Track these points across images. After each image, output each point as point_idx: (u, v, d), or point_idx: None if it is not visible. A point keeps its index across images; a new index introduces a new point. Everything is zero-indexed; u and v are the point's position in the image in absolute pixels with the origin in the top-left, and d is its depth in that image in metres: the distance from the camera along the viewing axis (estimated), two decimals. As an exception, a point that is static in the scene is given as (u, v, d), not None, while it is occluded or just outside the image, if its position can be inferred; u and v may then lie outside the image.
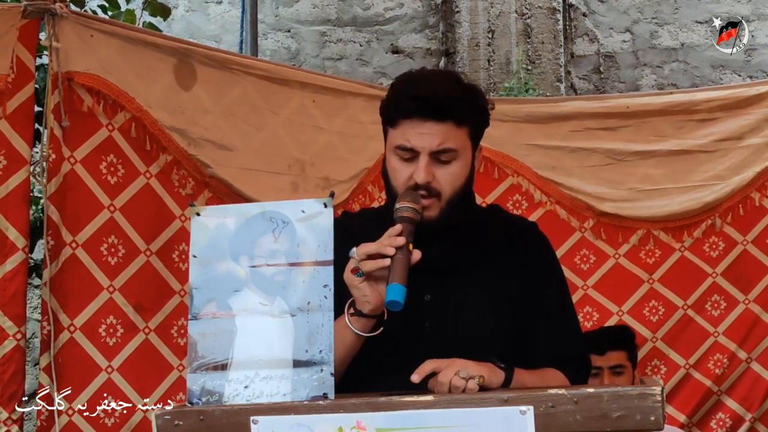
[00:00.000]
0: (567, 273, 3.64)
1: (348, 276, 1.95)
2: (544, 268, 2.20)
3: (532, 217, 3.65)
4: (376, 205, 3.43)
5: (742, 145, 3.66)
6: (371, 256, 1.92)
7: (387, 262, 1.90)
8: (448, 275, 2.10)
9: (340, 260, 1.91)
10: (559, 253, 3.66)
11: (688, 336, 3.71)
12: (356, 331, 1.98)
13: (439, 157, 2.04)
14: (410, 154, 2.04)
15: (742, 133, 3.65)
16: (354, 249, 1.94)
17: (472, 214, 2.17)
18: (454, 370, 1.85)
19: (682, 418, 3.69)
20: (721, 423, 3.70)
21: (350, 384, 2.00)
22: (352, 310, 1.98)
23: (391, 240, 1.92)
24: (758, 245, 3.71)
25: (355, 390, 1.96)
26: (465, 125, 2.07)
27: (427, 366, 1.90)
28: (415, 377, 1.88)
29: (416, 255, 1.93)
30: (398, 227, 1.95)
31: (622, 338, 3.47)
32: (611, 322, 3.69)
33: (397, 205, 2.00)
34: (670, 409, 3.67)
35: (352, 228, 2.11)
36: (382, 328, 1.99)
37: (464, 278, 2.11)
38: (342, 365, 1.99)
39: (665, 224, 3.72)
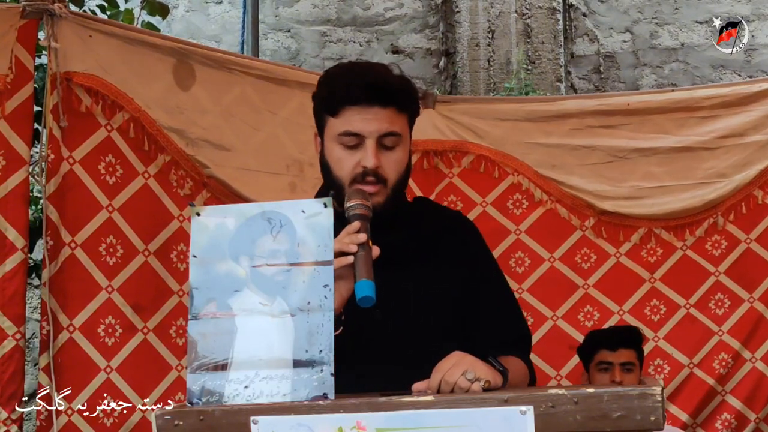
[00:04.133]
0: (567, 272, 3.67)
1: None
2: (482, 254, 2.25)
3: (533, 216, 3.68)
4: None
5: (745, 141, 3.64)
6: (334, 255, 1.90)
7: (350, 260, 1.90)
8: (393, 265, 2.07)
9: None
10: (560, 251, 3.68)
11: (692, 335, 3.70)
12: None
13: (384, 142, 2.07)
14: (356, 140, 2.06)
15: (744, 130, 3.64)
16: None
17: (406, 204, 2.21)
18: (460, 370, 1.84)
19: (684, 417, 3.68)
20: (726, 423, 3.69)
21: None
22: None
23: (352, 237, 1.92)
24: (762, 243, 3.70)
25: None
26: (405, 112, 2.11)
27: (435, 378, 1.87)
28: (424, 386, 1.87)
29: (376, 251, 1.93)
30: (356, 224, 1.95)
31: (632, 337, 3.50)
32: (612, 321, 3.69)
33: (348, 204, 2.00)
34: (673, 409, 3.67)
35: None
36: (341, 329, 1.95)
37: (408, 268, 2.12)
38: None
39: (667, 222, 3.71)
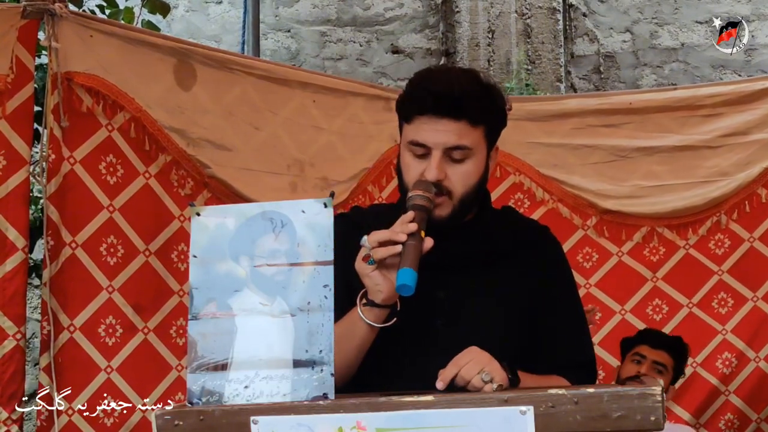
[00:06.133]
0: (569, 272, 3.65)
1: (359, 264, 1.93)
2: (558, 273, 2.19)
3: (534, 216, 3.64)
4: (377, 205, 3.42)
5: (748, 140, 3.61)
6: (383, 243, 1.90)
7: (398, 248, 1.88)
8: (463, 273, 2.08)
9: (349, 254, 1.90)
10: (562, 251, 3.65)
11: (695, 334, 3.68)
12: (369, 322, 1.95)
13: (451, 154, 2.02)
14: (423, 150, 2.02)
15: (747, 128, 3.61)
16: (365, 237, 1.93)
17: (486, 214, 2.15)
18: (478, 368, 1.84)
19: (686, 416, 3.67)
20: (729, 423, 3.67)
21: (361, 380, 2.00)
22: (364, 301, 1.96)
23: (403, 227, 1.91)
24: (766, 242, 3.68)
25: (367, 386, 1.96)
26: (480, 125, 2.04)
27: (450, 370, 1.86)
28: (440, 384, 1.85)
29: (428, 243, 1.91)
30: (410, 214, 1.93)
31: (676, 346, 3.50)
32: (614, 321, 3.68)
33: (410, 194, 1.99)
34: (676, 409, 3.66)
35: (364, 221, 2.10)
36: (395, 319, 1.97)
37: (478, 277, 2.09)
38: (356, 359, 1.98)
39: (669, 221, 3.70)
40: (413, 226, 1.90)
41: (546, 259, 2.16)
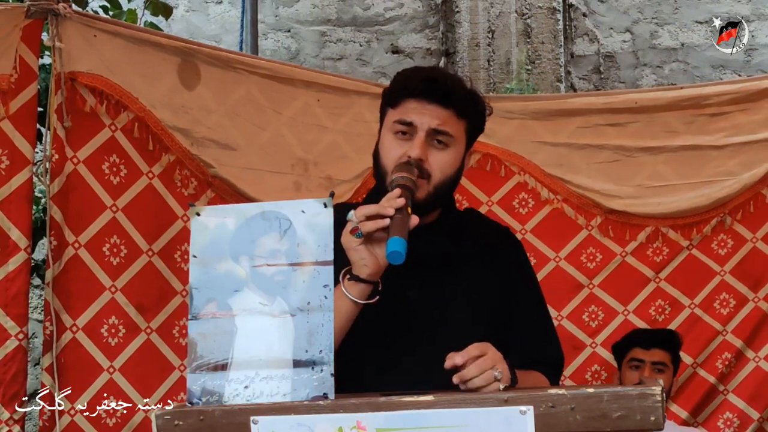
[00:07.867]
0: (573, 272, 3.64)
1: (346, 238, 1.96)
2: (522, 273, 2.25)
3: (539, 215, 3.65)
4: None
5: (754, 139, 3.59)
6: (370, 217, 1.93)
7: (386, 222, 1.91)
8: (432, 272, 2.11)
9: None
10: (566, 251, 3.65)
11: (696, 335, 3.67)
12: (352, 297, 1.97)
13: (435, 138, 2.07)
14: (408, 129, 2.07)
15: (753, 128, 3.58)
16: (352, 211, 1.95)
17: (451, 215, 2.20)
18: (493, 363, 1.85)
19: (684, 415, 3.67)
20: (728, 423, 3.66)
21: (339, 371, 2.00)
22: (348, 276, 1.98)
23: (390, 202, 1.94)
24: (769, 242, 3.67)
25: (343, 378, 1.96)
26: (464, 119, 2.11)
27: (474, 350, 1.87)
28: (459, 359, 1.85)
29: (414, 220, 1.94)
30: (397, 191, 1.96)
31: (668, 339, 3.51)
32: (617, 321, 3.67)
33: (394, 176, 2.02)
34: (673, 407, 3.65)
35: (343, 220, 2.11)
36: (378, 297, 1.99)
37: (446, 276, 2.13)
38: (338, 337, 1.96)
39: (674, 221, 3.68)
40: (401, 201, 1.93)
41: (510, 260, 2.22)
